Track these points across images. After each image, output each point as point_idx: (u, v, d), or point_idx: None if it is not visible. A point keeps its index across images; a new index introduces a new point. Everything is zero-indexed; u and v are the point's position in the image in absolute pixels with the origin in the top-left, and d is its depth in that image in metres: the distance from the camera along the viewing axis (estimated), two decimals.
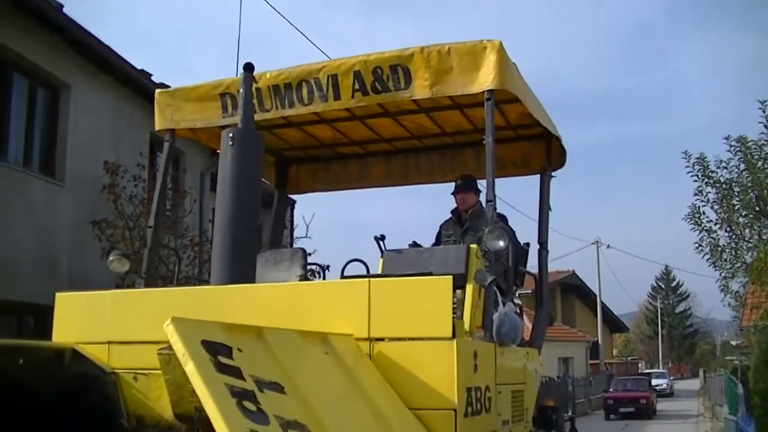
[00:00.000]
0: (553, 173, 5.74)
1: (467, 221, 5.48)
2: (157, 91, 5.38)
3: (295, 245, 15.82)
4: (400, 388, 3.54)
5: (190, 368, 2.45)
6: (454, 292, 3.62)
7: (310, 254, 5.44)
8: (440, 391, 3.49)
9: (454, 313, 3.66)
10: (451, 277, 3.59)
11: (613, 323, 53.10)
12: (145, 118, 10.21)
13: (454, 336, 3.55)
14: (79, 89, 11.42)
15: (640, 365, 61.26)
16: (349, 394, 3.28)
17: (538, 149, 5.92)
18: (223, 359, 2.60)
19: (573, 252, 67.22)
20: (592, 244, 42.01)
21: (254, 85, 4.81)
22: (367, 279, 3.76)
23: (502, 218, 5.19)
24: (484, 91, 4.39)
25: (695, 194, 13.72)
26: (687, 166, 13.65)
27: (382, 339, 3.64)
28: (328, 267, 5.61)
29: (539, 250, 5.58)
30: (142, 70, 12.54)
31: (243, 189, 4.12)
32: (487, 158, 4.36)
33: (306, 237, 15.04)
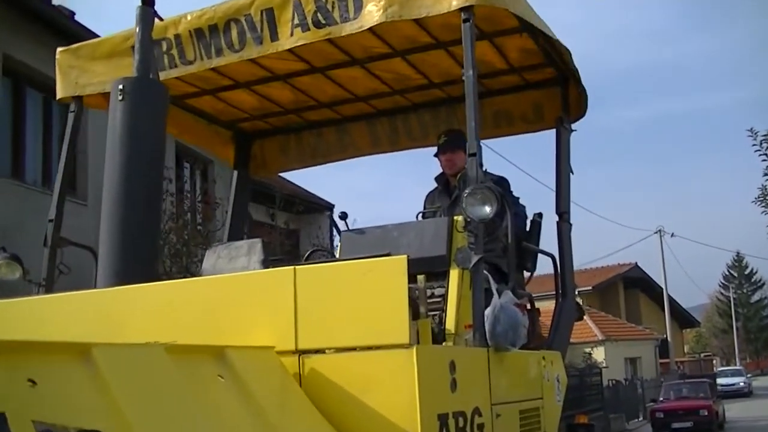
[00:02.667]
0: (572, 126, 4.51)
1: (456, 189, 4.22)
2: (59, 50, 4.34)
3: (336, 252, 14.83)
4: (343, 422, 2.49)
5: None
6: (413, 279, 2.55)
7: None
8: (396, 423, 2.42)
9: (413, 309, 2.57)
10: (405, 257, 2.50)
11: (683, 318, 50.55)
12: None
13: (415, 341, 2.50)
14: None
15: (714, 362, 58.22)
16: None
17: (552, 97, 4.67)
18: None
19: (635, 243, 64.67)
20: (655, 233, 39.68)
21: (174, 32, 3.83)
22: (291, 267, 2.68)
23: (502, 182, 4.03)
24: (459, 10, 3.27)
25: (765, 174, 12.56)
26: (754, 144, 12.51)
27: (316, 351, 2.58)
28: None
29: (558, 223, 4.29)
30: None
31: (138, 157, 3.11)
32: (467, 99, 3.21)
33: None
